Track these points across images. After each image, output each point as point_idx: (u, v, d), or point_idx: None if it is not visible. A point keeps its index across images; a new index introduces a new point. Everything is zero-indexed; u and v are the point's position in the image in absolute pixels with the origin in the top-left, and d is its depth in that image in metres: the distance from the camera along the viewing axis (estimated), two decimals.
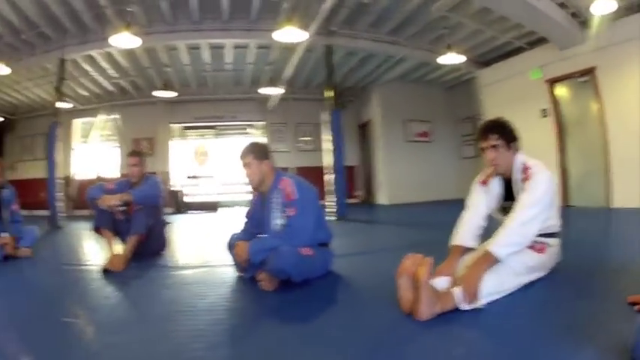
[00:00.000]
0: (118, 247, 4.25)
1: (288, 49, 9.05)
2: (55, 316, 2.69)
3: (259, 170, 3.32)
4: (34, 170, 12.65)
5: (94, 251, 5.22)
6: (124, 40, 7.45)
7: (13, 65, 8.93)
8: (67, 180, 11.43)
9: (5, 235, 4.75)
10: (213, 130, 13.92)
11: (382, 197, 12.55)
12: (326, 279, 3.31)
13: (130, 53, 9.42)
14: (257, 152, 3.35)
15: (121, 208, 4.31)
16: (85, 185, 11.29)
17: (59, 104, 9.61)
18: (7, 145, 14.23)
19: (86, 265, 4.67)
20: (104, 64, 10.16)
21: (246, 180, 3.40)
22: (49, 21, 7.98)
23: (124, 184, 4.61)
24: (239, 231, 3.59)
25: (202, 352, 2.01)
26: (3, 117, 13.81)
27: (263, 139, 12.92)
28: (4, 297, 3.39)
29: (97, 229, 4.44)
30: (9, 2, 7.16)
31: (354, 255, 4.45)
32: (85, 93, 12.27)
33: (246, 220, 3.60)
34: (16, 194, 5.07)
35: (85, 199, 4.46)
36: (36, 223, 5.72)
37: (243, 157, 3.36)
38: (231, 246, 3.42)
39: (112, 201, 4.21)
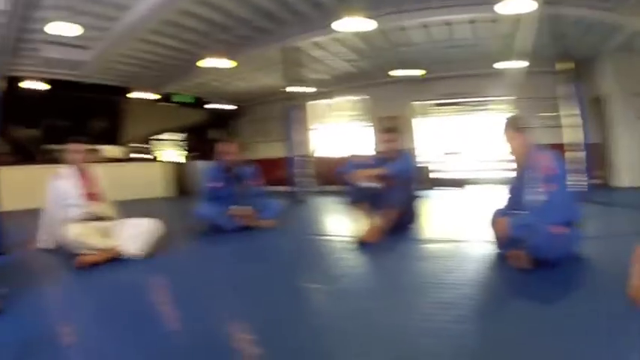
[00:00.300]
0: (373, 220, 4.45)
1: (518, 21, 8.47)
2: (302, 281, 3.06)
3: (520, 144, 3.33)
4: (269, 150, 13.92)
5: (341, 224, 5.53)
6: (349, 24, 7.54)
7: (235, 58, 9.62)
8: (309, 158, 12.17)
9: (244, 207, 5.27)
10: (457, 107, 13.53)
11: (622, 178, 11.24)
12: (573, 260, 3.19)
13: (362, 35, 9.41)
14: (516, 126, 3.37)
15: (375, 183, 4.49)
16: (330, 163, 11.96)
17: (294, 89, 10.28)
18: (241, 129, 16.16)
19: (334, 236, 5.06)
20: (337, 48, 10.48)
21: (506, 155, 3.45)
22: (262, 16, 8.40)
23: (378, 160, 4.80)
24: (502, 207, 3.56)
25: (449, 324, 2.12)
26: (236, 105, 15.67)
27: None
28: (247, 261, 3.88)
29: (353, 203, 4.74)
30: (211, 6, 7.72)
31: (601, 238, 4.22)
32: (323, 76, 12.81)
33: (509, 195, 3.57)
34: (257, 171, 5.62)
35: (340, 174, 4.80)
36: (278, 198, 6.26)
37: (504, 131, 3.40)
38: (493, 222, 3.45)
39: (368, 176, 4.46)
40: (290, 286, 2.98)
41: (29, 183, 9.92)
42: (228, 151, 5.41)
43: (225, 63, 9.56)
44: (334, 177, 4.67)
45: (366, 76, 12.82)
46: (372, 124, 13.37)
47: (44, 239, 4.51)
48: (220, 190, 5.33)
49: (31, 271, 3.97)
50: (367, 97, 13.58)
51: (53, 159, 12.25)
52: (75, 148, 4.40)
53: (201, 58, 9.36)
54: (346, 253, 3.93)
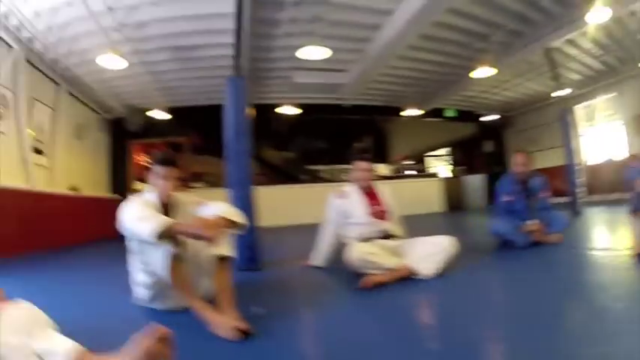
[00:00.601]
0: None
1: None
2: (599, 301, 2.75)
3: None
4: (540, 159, 13.13)
5: (623, 237, 5.04)
6: (595, 14, 7.12)
7: (497, 66, 9.58)
8: (582, 165, 11.62)
9: (534, 222, 4.95)
10: None
11: None
12: None
13: (603, 27, 8.74)
14: None
15: None
16: (601, 169, 11.67)
17: (557, 93, 10.10)
18: (508, 139, 15.98)
19: (619, 250, 4.51)
20: (586, 44, 9.94)
21: None
22: (512, 19, 8.26)
23: None
24: None
25: None
26: (500, 114, 15.44)
27: None
28: (545, 280, 3.49)
29: (635, 212, 4.36)
30: (468, 17, 7.87)
31: None
32: (577, 77, 12.07)
33: None
34: (547, 182, 5.24)
35: (627, 182, 4.51)
36: (559, 210, 5.75)
37: None
38: None
39: None
40: (589, 307, 2.63)
41: (290, 201, 10.84)
42: (519, 162, 5.14)
43: (490, 72, 9.63)
44: (606, 185, 4.07)
45: (614, 72, 11.76)
46: (624, 123, 12.11)
47: (319, 257, 4.53)
48: (513, 204, 5.12)
49: (300, 290, 3.87)
50: (616, 94, 12.40)
51: (316, 178, 13.24)
52: (361, 167, 4.28)
53: (469, 69, 9.58)
54: (631, 271, 3.47)
